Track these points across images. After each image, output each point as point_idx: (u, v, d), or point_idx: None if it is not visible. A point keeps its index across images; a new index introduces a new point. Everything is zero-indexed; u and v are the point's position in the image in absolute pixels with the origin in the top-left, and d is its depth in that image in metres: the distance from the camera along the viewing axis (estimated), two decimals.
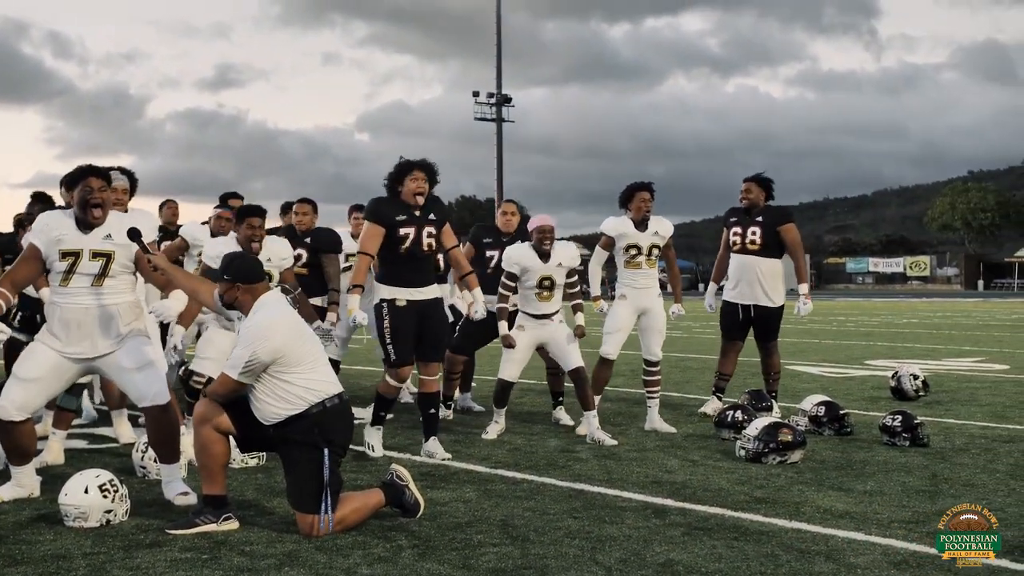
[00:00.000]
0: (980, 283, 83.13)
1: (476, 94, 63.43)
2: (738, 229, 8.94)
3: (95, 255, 5.63)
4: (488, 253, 8.81)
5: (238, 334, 5.23)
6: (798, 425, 7.14)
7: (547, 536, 4.94)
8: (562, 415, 8.74)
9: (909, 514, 5.39)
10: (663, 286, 8.98)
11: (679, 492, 5.92)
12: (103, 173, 5.71)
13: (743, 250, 8.88)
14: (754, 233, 8.83)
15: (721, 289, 9.28)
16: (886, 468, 6.60)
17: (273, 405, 5.04)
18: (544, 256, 7.86)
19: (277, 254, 7.33)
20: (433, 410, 7.17)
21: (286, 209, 9.99)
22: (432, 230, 6.93)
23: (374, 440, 7.06)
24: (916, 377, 10.10)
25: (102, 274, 5.65)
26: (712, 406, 8.81)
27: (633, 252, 8.26)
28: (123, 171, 6.85)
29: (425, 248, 6.93)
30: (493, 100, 62.91)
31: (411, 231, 6.85)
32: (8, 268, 6.05)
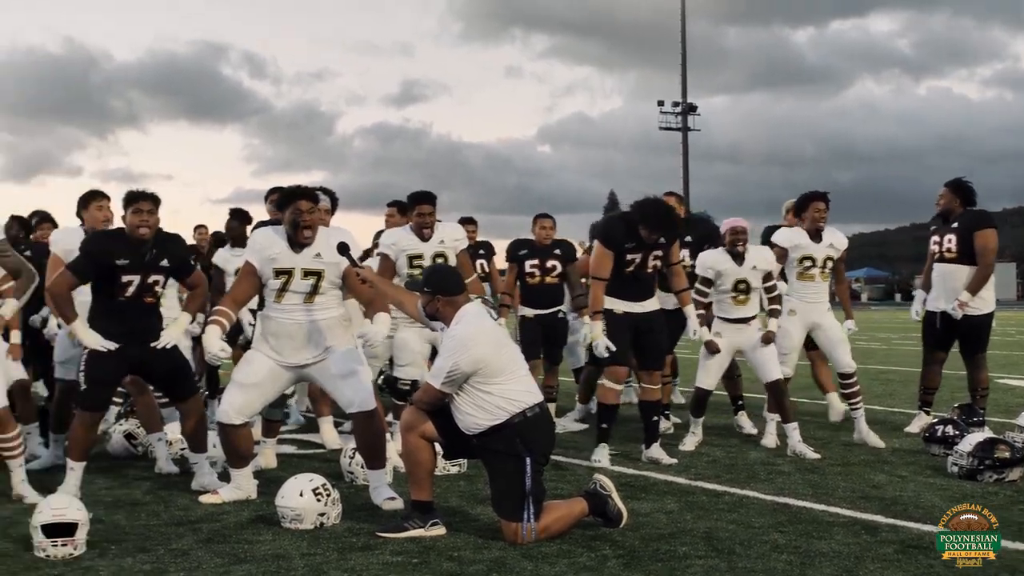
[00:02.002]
0: None
1: (661, 103, 63.22)
2: (936, 237, 8.57)
3: (306, 274, 5.86)
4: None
5: (440, 342, 5.37)
6: (1015, 441, 6.79)
7: (754, 550, 4.86)
8: (744, 421, 8.60)
9: None
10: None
11: (889, 508, 5.73)
12: (312, 195, 5.94)
13: (941, 258, 8.48)
14: (950, 241, 8.40)
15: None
16: None
17: (474, 416, 5.13)
18: (738, 258, 7.75)
19: (450, 235, 7.51)
20: (655, 418, 7.29)
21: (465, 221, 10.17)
22: (659, 253, 7.00)
23: (600, 456, 7.13)
24: None
25: (313, 291, 5.88)
26: (920, 423, 8.46)
27: (807, 264, 8.05)
28: (325, 191, 7.14)
29: (649, 270, 7.03)
30: (678, 109, 62.47)
31: (638, 257, 6.93)
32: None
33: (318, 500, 5.31)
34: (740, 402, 8.76)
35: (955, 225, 8.40)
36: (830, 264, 8.15)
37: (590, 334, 6.99)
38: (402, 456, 5.44)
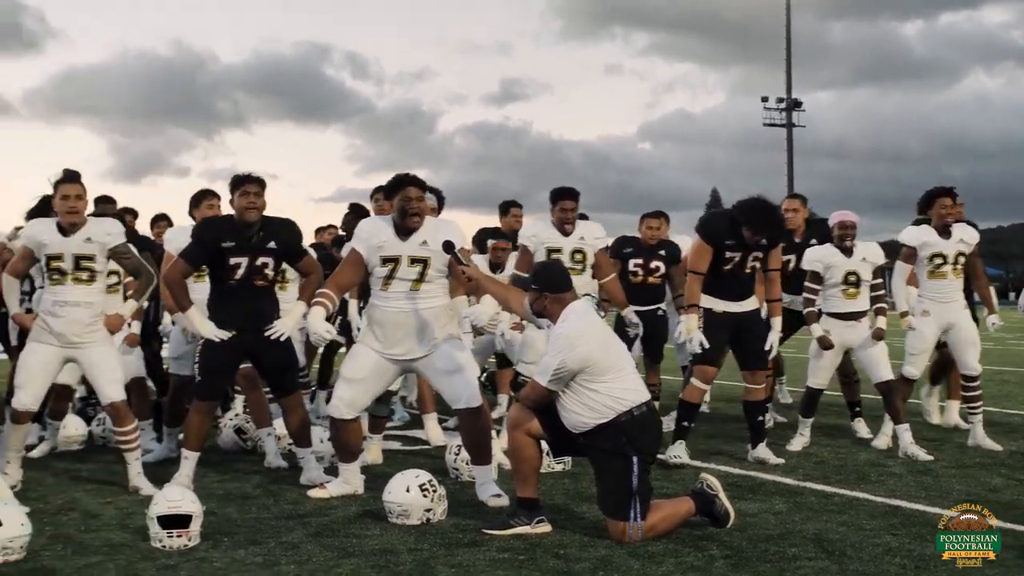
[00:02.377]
0: None
1: (765, 99, 62.42)
2: None
3: (413, 261, 5.90)
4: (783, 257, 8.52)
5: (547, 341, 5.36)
6: None
7: (865, 552, 4.76)
8: (861, 427, 8.40)
9: None
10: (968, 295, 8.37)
11: (1006, 512, 5.54)
12: (420, 183, 5.97)
13: None
14: None
15: None
16: None
17: (581, 415, 5.12)
18: (847, 252, 7.60)
19: (591, 233, 7.50)
20: (761, 417, 7.23)
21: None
22: (759, 254, 6.92)
23: (679, 451, 7.06)
24: None
25: (419, 279, 5.90)
26: None
27: (938, 262, 7.78)
28: (431, 190, 7.19)
29: (747, 271, 6.95)
30: (783, 105, 61.58)
31: (737, 256, 6.86)
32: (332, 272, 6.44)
33: (424, 496, 5.36)
34: (858, 408, 8.53)
35: None
36: (962, 260, 7.83)
37: (685, 328, 6.94)
38: (508, 453, 5.46)
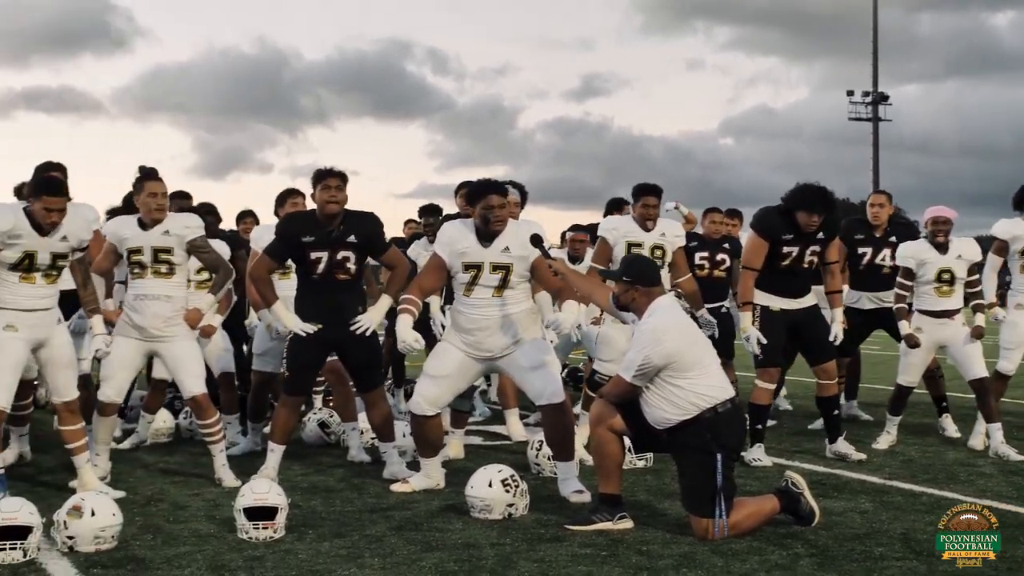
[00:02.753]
0: None
1: (851, 93, 61.52)
2: None
3: (495, 268, 5.93)
4: (860, 249, 8.43)
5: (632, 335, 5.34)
6: None
7: None
8: (948, 424, 8.24)
9: None
10: None
11: None
12: (502, 189, 6.00)
13: None
14: None
15: None
16: None
17: (665, 410, 5.09)
18: (941, 248, 7.45)
19: (671, 231, 7.47)
20: (836, 411, 7.17)
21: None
22: (817, 248, 6.85)
23: (758, 454, 6.99)
24: None
25: (502, 285, 5.94)
26: None
27: None
28: (514, 184, 7.20)
29: (805, 265, 6.86)
30: (869, 99, 60.55)
31: (795, 250, 6.77)
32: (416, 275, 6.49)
33: (507, 491, 5.37)
34: (944, 403, 8.38)
35: None
36: None
37: (741, 326, 6.90)
38: (590, 449, 5.45)
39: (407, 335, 5.86)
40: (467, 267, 5.94)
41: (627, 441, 5.40)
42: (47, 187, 5.63)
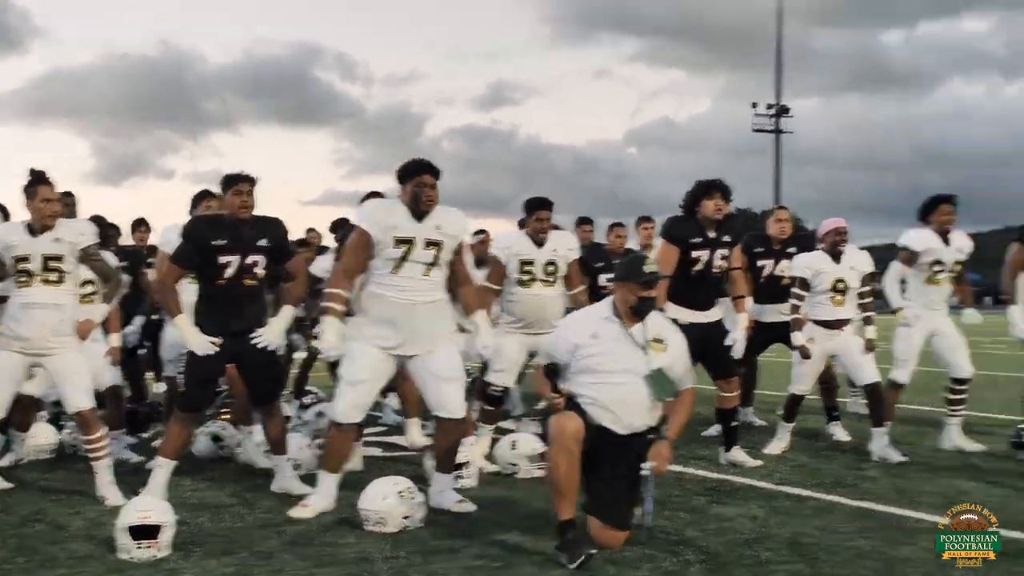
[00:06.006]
0: None
1: (755, 105, 62.63)
2: None
3: (429, 243, 5.70)
4: (759, 263, 8.60)
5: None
6: None
7: (838, 556, 4.77)
8: (837, 430, 8.45)
9: None
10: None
11: None
12: (435, 170, 5.80)
13: None
14: None
15: None
16: None
17: (646, 416, 5.12)
18: (837, 258, 7.63)
19: (564, 244, 7.44)
20: (735, 422, 7.30)
21: (579, 222, 10.12)
22: (725, 252, 6.98)
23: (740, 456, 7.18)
24: None
25: (433, 262, 5.73)
26: None
27: (937, 268, 7.80)
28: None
29: (715, 270, 7.00)
30: (772, 111, 61.79)
31: (704, 254, 6.91)
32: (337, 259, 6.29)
33: (403, 503, 5.32)
34: (835, 412, 8.62)
35: None
36: (957, 269, 7.88)
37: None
38: (552, 468, 4.92)
39: (332, 339, 5.63)
40: (399, 241, 5.67)
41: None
42: None
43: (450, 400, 5.82)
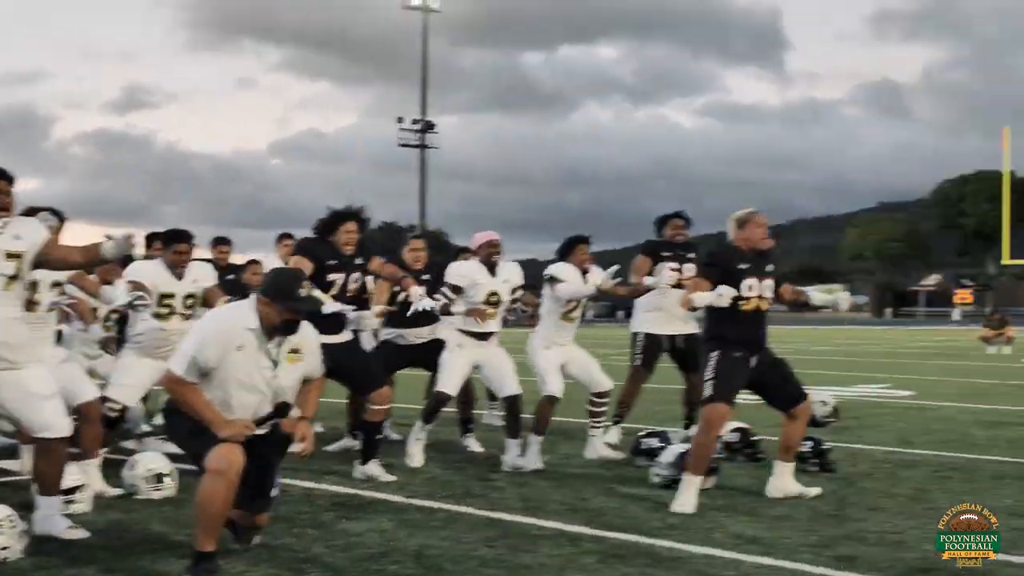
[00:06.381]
0: (889, 311, 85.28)
1: (400, 120, 63.63)
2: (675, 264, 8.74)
3: (9, 255, 5.20)
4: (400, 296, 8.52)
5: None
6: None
7: (462, 565, 4.91)
8: (471, 442, 8.75)
9: (816, 538, 5.48)
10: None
11: (595, 519, 5.93)
12: (4, 174, 5.41)
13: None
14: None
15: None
16: None
17: None
18: (492, 270, 7.84)
19: (202, 274, 7.28)
20: (379, 436, 7.38)
21: (216, 242, 9.91)
22: (357, 275, 7.14)
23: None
24: (825, 403, 10.22)
25: (14, 276, 5.23)
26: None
27: (572, 305, 8.09)
28: (52, 211, 6.56)
29: (350, 293, 7.11)
30: (417, 126, 63.04)
31: (340, 276, 7.04)
32: None
33: (1, 533, 4.91)
34: (470, 425, 8.90)
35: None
36: (584, 303, 8.22)
37: None
38: (201, 496, 4.69)
39: None
40: None
41: None
42: None
43: (55, 417, 5.35)
